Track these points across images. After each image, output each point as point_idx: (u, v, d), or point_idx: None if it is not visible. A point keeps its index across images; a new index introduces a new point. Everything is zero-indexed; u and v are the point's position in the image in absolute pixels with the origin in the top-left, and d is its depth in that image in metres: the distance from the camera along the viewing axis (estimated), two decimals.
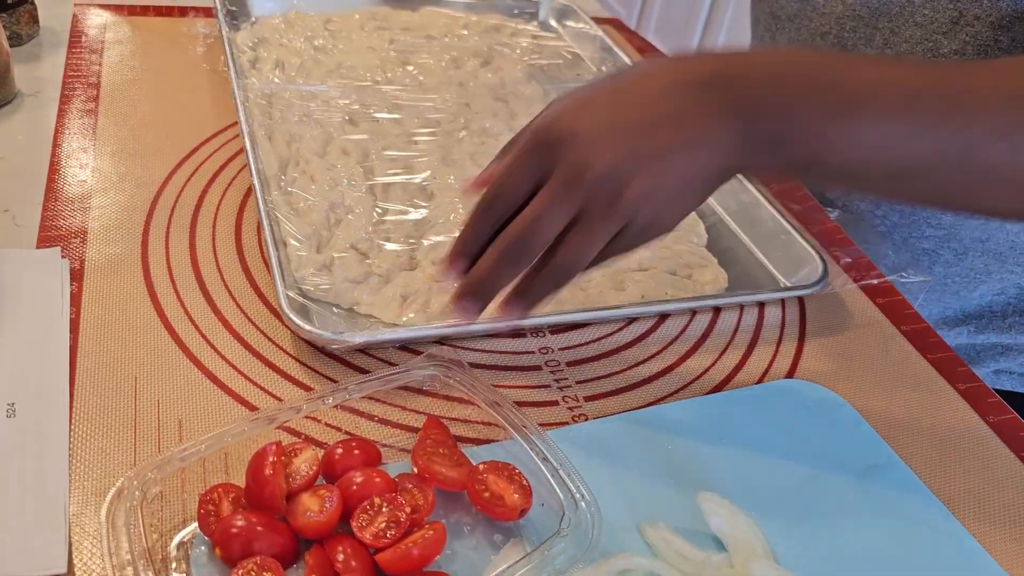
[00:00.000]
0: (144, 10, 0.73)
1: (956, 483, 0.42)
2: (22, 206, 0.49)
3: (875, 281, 0.55)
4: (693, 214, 0.58)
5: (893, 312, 0.53)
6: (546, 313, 0.45)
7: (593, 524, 0.33)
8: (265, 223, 0.45)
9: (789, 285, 0.52)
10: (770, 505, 0.38)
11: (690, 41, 2.70)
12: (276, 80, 0.62)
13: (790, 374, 0.47)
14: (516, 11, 0.81)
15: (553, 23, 0.82)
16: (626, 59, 0.73)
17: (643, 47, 0.81)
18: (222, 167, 0.55)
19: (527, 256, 0.35)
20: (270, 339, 0.43)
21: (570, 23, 0.81)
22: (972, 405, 0.47)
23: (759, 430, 0.42)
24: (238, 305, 0.45)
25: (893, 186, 0.37)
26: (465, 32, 0.76)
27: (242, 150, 0.55)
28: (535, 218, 0.34)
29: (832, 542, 0.37)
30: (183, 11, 0.73)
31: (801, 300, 0.52)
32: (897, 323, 0.52)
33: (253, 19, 0.71)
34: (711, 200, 0.60)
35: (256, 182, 0.48)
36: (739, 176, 0.60)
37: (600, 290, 0.49)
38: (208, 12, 0.71)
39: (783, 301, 0.52)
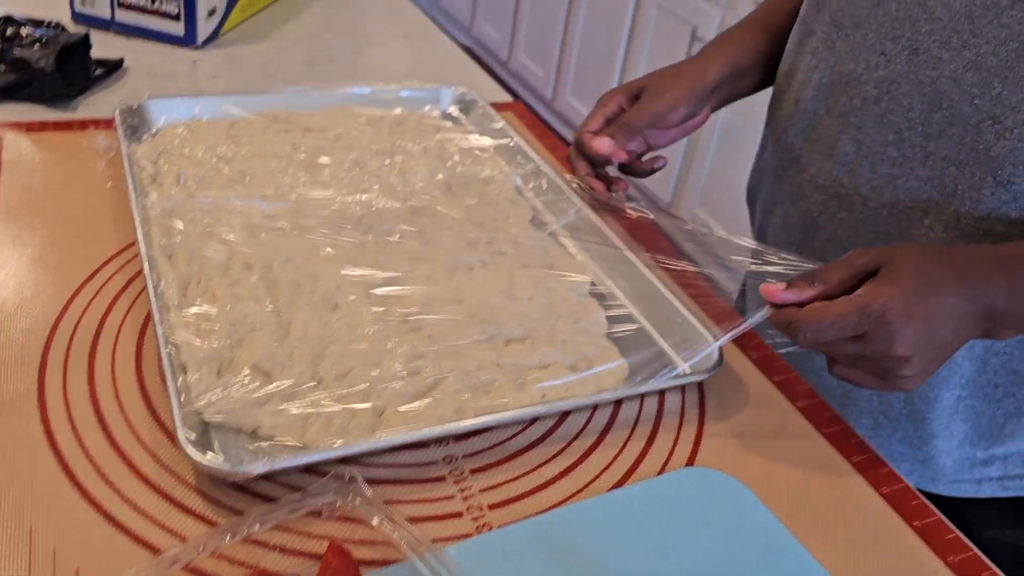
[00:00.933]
0: (43, 126, 0.73)
1: (854, 562, 0.44)
2: None
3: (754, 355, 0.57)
4: (594, 301, 0.60)
5: (789, 388, 0.55)
6: (448, 421, 0.46)
7: None
8: (163, 351, 0.45)
9: (687, 371, 0.53)
10: None
11: None
12: (174, 195, 0.62)
13: (691, 460, 0.49)
14: (419, 102, 0.83)
15: (455, 113, 0.84)
16: (527, 149, 0.75)
17: (542, 133, 0.83)
18: (123, 289, 0.55)
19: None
20: (173, 473, 0.43)
21: (472, 113, 0.83)
22: (868, 479, 0.49)
23: (662, 524, 0.44)
24: (139, 439, 0.45)
25: None
26: (369, 129, 0.77)
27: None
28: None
29: None
30: (83, 124, 0.74)
31: (700, 383, 0.54)
32: (793, 399, 0.55)
33: (154, 130, 0.71)
34: (613, 287, 0.62)
35: (154, 307, 0.48)
36: (634, 259, 0.62)
37: (503, 391, 0.50)
38: (109, 124, 0.71)
39: (683, 386, 0.54)
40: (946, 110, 0.55)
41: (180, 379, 0.46)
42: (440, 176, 0.71)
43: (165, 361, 0.45)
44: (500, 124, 0.80)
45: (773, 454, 0.50)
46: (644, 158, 0.69)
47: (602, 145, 0.65)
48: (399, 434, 0.45)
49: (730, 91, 0.71)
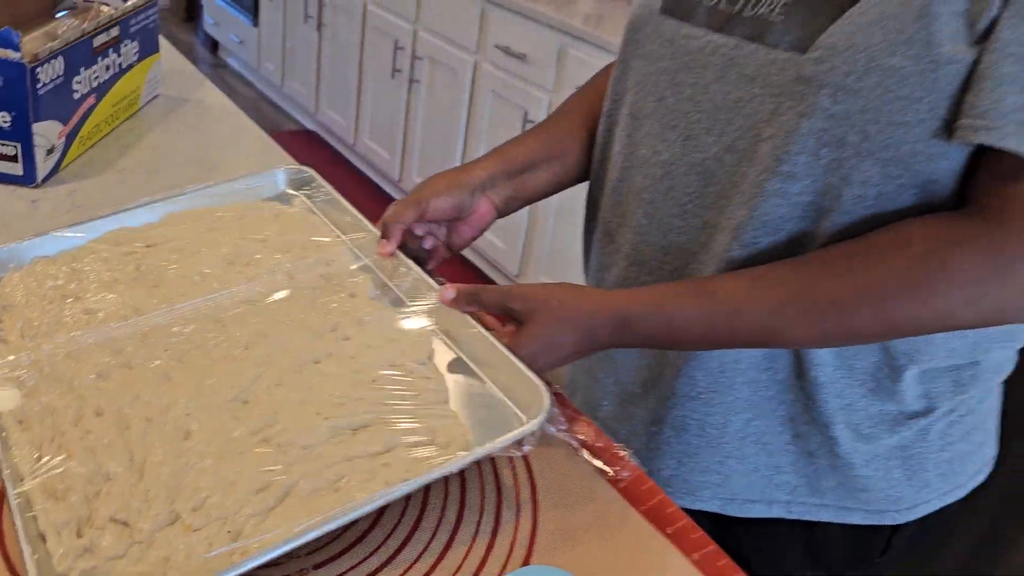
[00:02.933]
0: None
1: None
2: None
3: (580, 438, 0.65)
4: (434, 367, 0.65)
5: (612, 462, 0.63)
6: (299, 533, 0.50)
7: None
8: (18, 524, 0.48)
9: (525, 421, 0.58)
10: None
11: None
12: (21, 351, 0.64)
13: (528, 554, 0.56)
14: (256, 191, 0.85)
15: (292, 192, 0.87)
16: (362, 219, 0.78)
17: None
18: None
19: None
20: None
21: (308, 188, 0.86)
22: (680, 548, 0.57)
23: None
24: None
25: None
26: (209, 234, 0.79)
27: None
28: None
29: None
30: None
31: (531, 474, 0.61)
32: (636, 503, 0.63)
33: None
34: (456, 348, 0.67)
35: (7, 481, 0.51)
36: (475, 321, 0.67)
37: (349, 487, 0.54)
38: None
39: (516, 477, 0.61)
40: (714, 185, 0.66)
41: (40, 548, 0.48)
42: (285, 268, 0.75)
43: (21, 534, 0.48)
44: (336, 196, 0.82)
45: (596, 540, 0.57)
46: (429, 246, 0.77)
47: (383, 249, 0.73)
48: (252, 558, 0.49)
49: (517, 185, 0.79)
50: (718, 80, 0.65)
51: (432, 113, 2.86)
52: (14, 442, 0.56)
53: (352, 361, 0.65)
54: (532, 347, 0.62)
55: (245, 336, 0.67)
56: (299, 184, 0.87)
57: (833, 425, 0.70)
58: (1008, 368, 0.75)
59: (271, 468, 0.55)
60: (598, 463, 0.63)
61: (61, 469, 0.54)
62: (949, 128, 0.57)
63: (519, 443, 0.57)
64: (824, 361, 0.67)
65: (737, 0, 0.64)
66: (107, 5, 1.21)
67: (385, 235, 0.74)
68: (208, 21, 4.66)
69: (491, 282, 2.68)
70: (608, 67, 0.82)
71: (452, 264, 2.76)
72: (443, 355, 0.67)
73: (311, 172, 0.87)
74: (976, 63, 0.55)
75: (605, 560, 0.56)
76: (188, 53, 4.77)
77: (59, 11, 1.22)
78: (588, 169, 0.83)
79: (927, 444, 0.72)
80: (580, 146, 0.82)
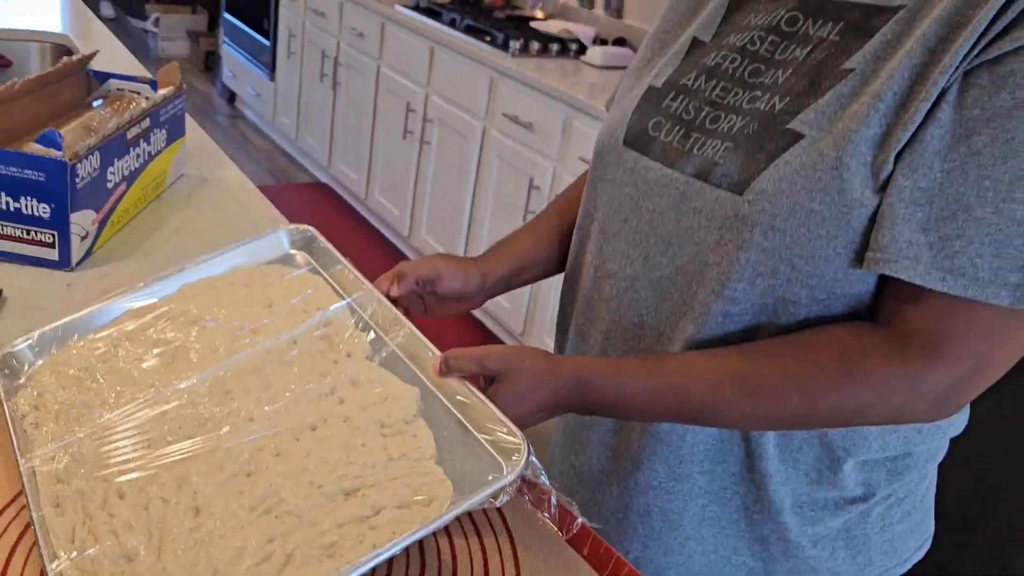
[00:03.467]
0: None
1: None
2: None
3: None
4: (422, 423, 0.71)
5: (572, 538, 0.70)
6: None
7: None
8: None
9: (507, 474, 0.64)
10: None
11: (458, 239, 2.97)
12: (56, 436, 0.72)
13: None
14: (262, 252, 0.92)
15: (295, 252, 0.94)
16: (360, 277, 0.85)
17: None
18: (20, 537, 0.65)
19: None
20: None
21: (310, 247, 0.93)
22: None
23: None
24: None
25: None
26: (221, 304, 0.86)
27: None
28: None
29: None
30: None
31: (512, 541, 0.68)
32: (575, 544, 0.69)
33: (30, 370, 0.80)
34: (443, 398, 0.73)
35: (46, 560, 0.58)
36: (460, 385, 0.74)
37: (342, 551, 0.61)
38: None
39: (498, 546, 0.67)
40: (669, 301, 0.75)
41: None
42: (289, 332, 0.81)
43: None
44: (336, 255, 0.89)
45: None
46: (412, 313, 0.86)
47: (383, 286, 0.84)
48: None
49: (510, 282, 0.91)
50: (672, 209, 0.74)
51: (441, 173, 2.96)
52: (50, 525, 0.63)
53: (345, 425, 0.72)
54: (504, 400, 0.69)
55: (250, 407, 0.74)
56: (301, 244, 0.95)
57: (783, 512, 0.77)
58: (941, 453, 0.83)
59: (272, 539, 0.63)
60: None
61: (91, 550, 0.61)
62: (861, 259, 0.66)
63: (496, 495, 0.63)
64: (771, 455, 0.75)
65: (688, 139, 0.74)
66: (138, 93, 1.31)
67: (393, 278, 0.83)
68: (227, 73, 4.82)
69: (497, 339, 2.76)
70: (584, 175, 0.91)
71: (461, 322, 2.84)
72: (432, 408, 0.73)
73: (312, 231, 0.94)
74: (879, 206, 0.64)
75: None
76: (206, 102, 4.93)
77: (94, 99, 1.31)
78: (562, 270, 0.93)
79: (868, 525, 0.79)
80: (560, 253, 0.93)
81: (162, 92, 1.24)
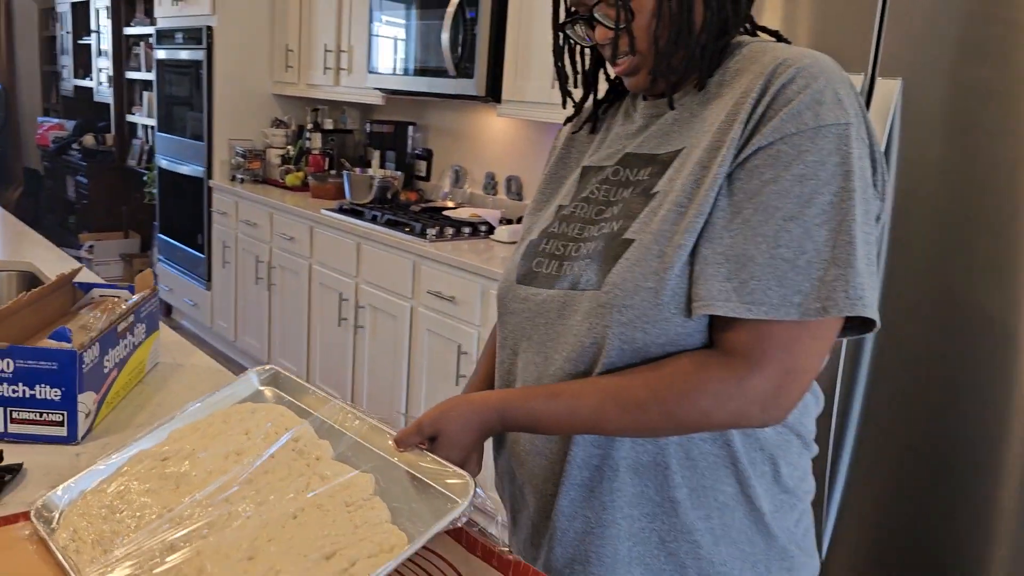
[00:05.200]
0: None
1: None
2: None
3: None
4: (377, 499, 0.91)
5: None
6: None
7: None
8: None
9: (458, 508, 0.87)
10: None
11: (399, 408, 3.18)
12: (96, 558, 0.90)
13: None
14: (237, 394, 1.15)
15: (263, 387, 1.17)
16: (321, 393, 1.05)
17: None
18: None
19: None
20: None
21: (277, 382, 1.16)
22: None
23: None
24: None
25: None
26: (207, 439, 1.06)
27: None
28: None
29: None
30: (5, 520, 1.00)
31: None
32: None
33: (59, 515, 0.98)
34: (390, 478, 0.94)
35: None
36: (394, 460, 0.96)
37: None
38: (27, 516, 0.98)
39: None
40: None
41: None
42: (265, 450, 1.02)
43: None
44: (298, 380, 1.14)
45: None
46: None
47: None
48: None
49: None
50: (558, 316, 0.99)
51: (378, 352, 3.21)
52: None
53: (319, 510, 0.92)
54: (445, 451, 0.92)
55: (245, 508, 0.93)
56: (268, 380, 1.19)
57: (695, 531, 0.96)
58: (812, 453, 1.03)
59: None
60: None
61: None
62: (690, 312, 0.90)
63: (454, 521, 0.86)
64: (679, 484, 0.95)
65: (561, 267, 1.01)
66: (118, 297, 1.55)
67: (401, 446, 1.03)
68: (163, 288, 5.07)
69: None
70: None
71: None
72: (394, 474, 0.95)
73: (276, 368, 1.19)
74: (691, 273, 0.88)
75: None
76: None
77: (79, 307, 1.55)
78: None
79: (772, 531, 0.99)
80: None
81: (141, 293, 1.48)
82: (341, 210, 3.52)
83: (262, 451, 1.04)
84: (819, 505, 1.74)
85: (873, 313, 0.85)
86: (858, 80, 1.65)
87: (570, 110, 1.15)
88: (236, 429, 1.09)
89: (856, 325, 0.90)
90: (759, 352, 0.86)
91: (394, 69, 3.44)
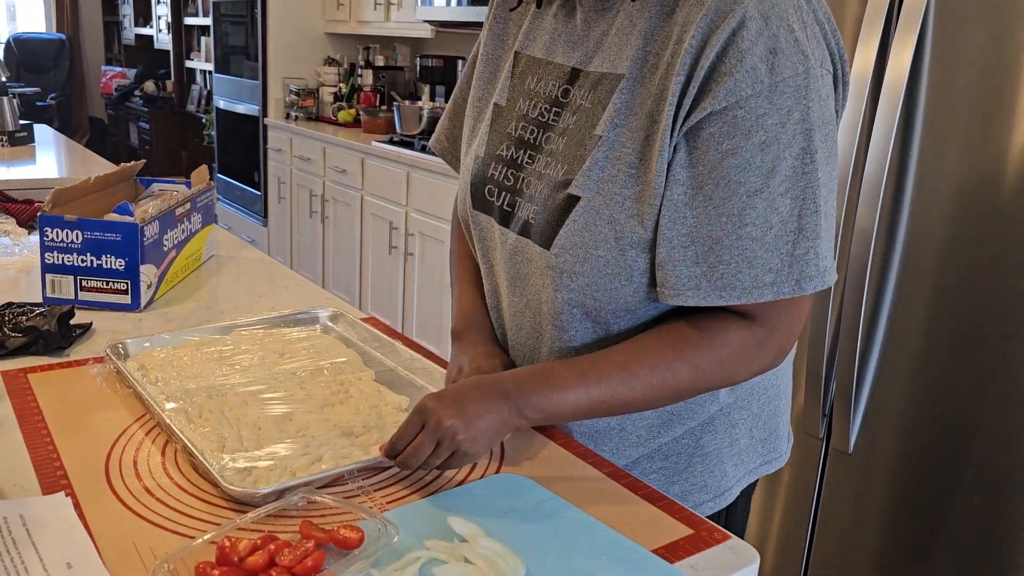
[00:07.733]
0: (51, 367, 1.07)
1: (601, 513, 0.82)
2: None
3: None
4: (398, 397, 0.95)
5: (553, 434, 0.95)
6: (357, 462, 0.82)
7: (394, 536, 0.69)
8: (195, 451, 0.81)
9: None
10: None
11: (446, 334, 3.23)
12: (158, 386, 0.98)
13: (499, 468, 0.86)
14: (303, 322, 1.22)
15: (329, 323, 1.24)
16: (378, 333, 1.15)
17: (391, 333, 1.25)
18: (145, 436, 0.89)
19: (416, 465, 0.80)
20: (197, 498, 0.77)
21: (340, 322, 1.23)
22: (608, 474, 0.88)
23: (487, 504, 0.81)
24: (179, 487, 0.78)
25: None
26: (256, 346, 1.13)
27: (156, 426, 0.89)
28: (415, 451, 0.79)
29: (543, 541, 0.75)
30: (79, 363, 1.08)
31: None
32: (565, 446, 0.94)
33: (129, 358, 1.07)
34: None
35: (184, 441, 0.83)
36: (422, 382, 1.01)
37: (361, 454, 0.86)
38: (99, 360, 1.06)
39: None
40: (523, 329, 0.96)
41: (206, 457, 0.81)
42: (311, 364, 1.09)
43: (196, 452, 0.80)
44: (357, 321, 1.20)
45: (551, 463, 0.88)
46: None
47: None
48: (321, 473, 0.81)
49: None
50: (510, 259, 0.93)
51: (426, 279, 3.28)
52: (179, 425, 0.88)
53: (353, 403, 0.99)
54: (470, 461, 0.83)
55: (286, 396, 1.00)
56: (333, 318, 1.25)
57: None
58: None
59: (306, 448, 0.87)
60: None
61: (207, 429, 0.87)
62: (652, 283, 0.83)
63: None
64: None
65: (514, 204, 0.92)
66: (176, 191, 1.62)
67: None
68: (222, 226, 5.22)
69: None
70: (456, 227, 1.13)
71: None
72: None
73: (340, 310, 1.26)
74: (652, 249, 0.82)
75: (551, 468, 0.86)
76: None
77: (142, 198, 1.63)
78: None
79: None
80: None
81: (197, 186, 1.55)
82: (391, 141, 3.58)
83: (314, 363, 1.11)
84: (812, 497, 1.75)
85: (833, 278, 0.82)
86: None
87: None
88: (292, 346, 1.16)
89: None
90: (766, 317, 0.83)
91: (447, 0, 3.46)
